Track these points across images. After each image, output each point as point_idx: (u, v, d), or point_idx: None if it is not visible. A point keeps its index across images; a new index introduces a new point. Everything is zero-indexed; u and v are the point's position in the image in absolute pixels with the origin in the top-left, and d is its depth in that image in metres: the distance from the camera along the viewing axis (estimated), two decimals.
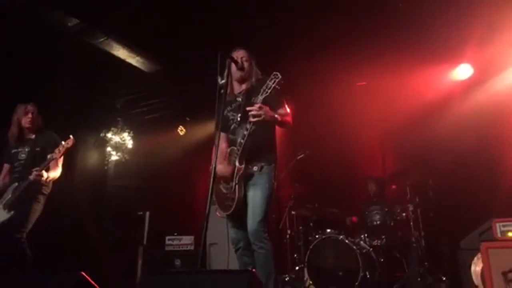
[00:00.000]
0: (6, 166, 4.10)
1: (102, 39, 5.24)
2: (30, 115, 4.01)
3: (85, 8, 4.73)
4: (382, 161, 6.18)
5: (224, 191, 3.13)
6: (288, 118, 3.16)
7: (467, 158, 5.19)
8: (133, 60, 5.73)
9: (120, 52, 5.53)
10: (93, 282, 2.34)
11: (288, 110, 3.21)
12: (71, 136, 3.74)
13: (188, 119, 7.36)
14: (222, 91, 3.11)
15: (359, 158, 6.25)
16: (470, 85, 5.57)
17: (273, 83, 2.87)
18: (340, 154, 6.03)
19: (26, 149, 3.98)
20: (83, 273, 2.32)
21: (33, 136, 4.05)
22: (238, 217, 3.08)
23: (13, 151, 4.03)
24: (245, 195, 3.06)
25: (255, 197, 3.02)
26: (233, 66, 3.20)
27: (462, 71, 5.66)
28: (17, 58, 5.08)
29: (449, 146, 5.28)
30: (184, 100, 6.98)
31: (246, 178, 3.06)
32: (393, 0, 4.57)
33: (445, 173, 5.19)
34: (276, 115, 3.01)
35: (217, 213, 3.23)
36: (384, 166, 6.08)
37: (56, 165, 3.95)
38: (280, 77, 2.87)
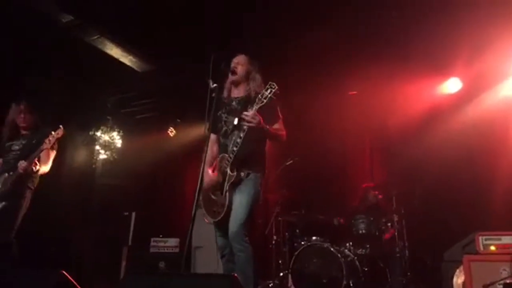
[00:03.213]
0: None
1: (95, 37, 5.22)
2: (22, 115, 4.04)
3: (79, 5, 4.72)
4: (370, 170, 6.22)
5: (213, 197, 3.13)
6: (282, 133, 3.20)
7: (454, 171, 5.24)
8: (126, 59, 5.72)
9: (113, 51, 5.51)
10: (73, 281, 2.32)
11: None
12: (61, 126, 3.76)
13: (179, 120, 7.34)
14: (213, 94, 3.13)
15: (348, 166, 6.29)
16: (459, 99, 5.63)
17: (268, 93, 2.90)
18: (329, 162, 6.07)
19: (22, 142, 3.98)
20: (64, 272, 2.30)
21: (29, 133, 4.04)
22: (226, 224, 3.06)
23: (6, 144, 4.02)
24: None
25: (239, 201, 3.03)
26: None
27: (451, 85, 5.72)
28: (9, 52, 5.04)
29: (437, 158, 5.34)
30: (176, 101, 6.96)
31: (234, 185, 3.07)
32: (387, 12, 4.61)
33: (431, 185, 5.25)
34: (267, 127, 3.02)
35: (205, 219, 3.23)
36: (372, 175, 6.11)
37: (48, 159, 3.95)
38: (276, 87, 2.90)
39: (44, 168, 3.94)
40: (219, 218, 3.07)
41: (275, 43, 5.10)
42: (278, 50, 5.19)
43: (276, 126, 3.16)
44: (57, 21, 4.88)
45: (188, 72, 5.64)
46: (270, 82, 2.93)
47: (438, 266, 4.32)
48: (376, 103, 5.77)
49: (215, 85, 3.11)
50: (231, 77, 3.25)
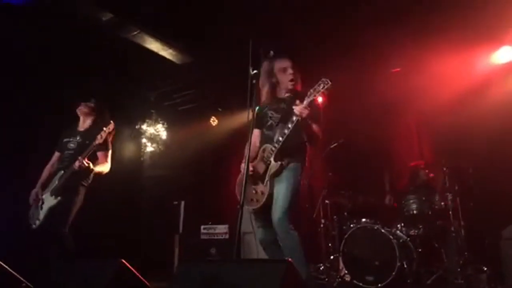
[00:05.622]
0: (56, 154, 4.24)
1: (135, 33, 5.33)
2: (89, 115, 4.18)
3: (117, 2, 4.82)
4: (418, 149, 6.01)
5: (253, 185, 3.16)
6: (319, 135, 3.21)
7: (508, 145, 4.97)
8: (166, 52, 5.81)
9: (153, 45, 5.61)
10: (132, 269, 2.40)
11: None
12: (111, 121, 3.87)
13: (220, 109, 7.41)
14: (253, 81, 3.12)
15: (395, 145, 6.10)
16: (511, 69, 5.31)
17: (321, 88, 2.92)
18: (375, 141, 5.90)
19: (77, 140, 4.09)
20: (123, 260, 2.39)
21: (83, 130, 4.16)
22: (265, 214, 3.09)
23: (64, 140, 4.16)
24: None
25: (281, 189, 3.05)
26: (283, 75, 3.31)
27: (503, 54, 5.39)
28: (53, 52, 5.23)
29: (489, 133, 5.06)
30: (216, 91, 7.02)
31: (276, 174, 3.10)
32: None
33: (485, 161, 4.99)
34: (311, 123, 3.07)
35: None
36: (421, 153, 5.90)
37: (105, 159, 4.07)
38: (330, 83, 2.91)
39: (103, 168, 4.05)
40: (258, 206, 3.09)
41: (315, 23, 4.99)
42: (318, 30, 5.07)
43: (315, 126, 3.17)
44: (97, 20, 5.02)
45: (226, 61, 5.65)
46: (323, 78, 2.95)
47: (496, 244, 4.15)
48: (422, 78, 5.53)
49: (255, 71, 3.10)
50: (289, 84, 3.30)
